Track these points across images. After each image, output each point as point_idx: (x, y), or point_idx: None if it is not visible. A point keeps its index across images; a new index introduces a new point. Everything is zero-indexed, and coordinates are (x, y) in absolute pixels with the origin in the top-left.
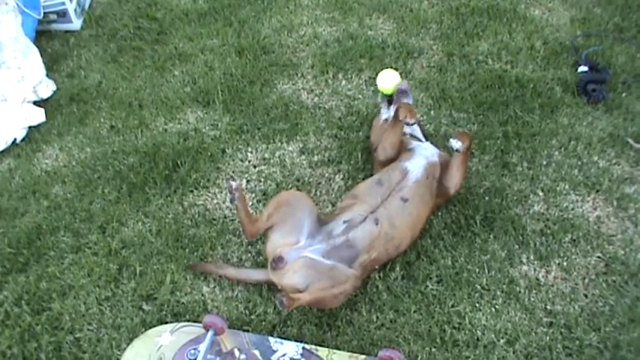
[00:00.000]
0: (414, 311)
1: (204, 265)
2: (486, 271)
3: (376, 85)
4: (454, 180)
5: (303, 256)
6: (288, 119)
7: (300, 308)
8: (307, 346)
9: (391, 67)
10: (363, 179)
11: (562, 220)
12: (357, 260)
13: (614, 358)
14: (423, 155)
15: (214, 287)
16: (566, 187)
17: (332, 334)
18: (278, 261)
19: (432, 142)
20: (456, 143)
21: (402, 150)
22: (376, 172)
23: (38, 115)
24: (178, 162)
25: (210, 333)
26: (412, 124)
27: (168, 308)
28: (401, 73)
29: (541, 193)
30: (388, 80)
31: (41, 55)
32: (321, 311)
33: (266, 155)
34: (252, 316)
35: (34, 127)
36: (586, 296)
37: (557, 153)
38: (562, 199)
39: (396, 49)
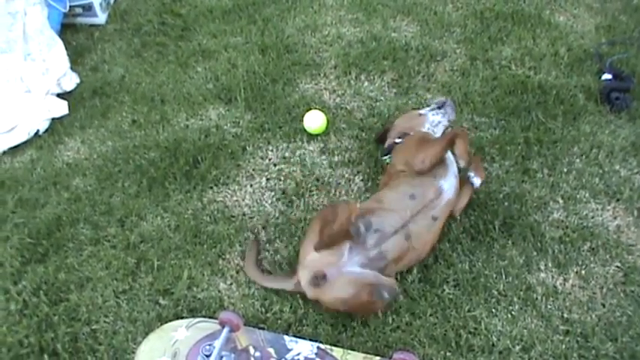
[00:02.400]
0: (430, 315)
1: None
2: (504, 276)
3: (392, 90)
4: (461, 205)
5: (345, 272)
6: None
7: (315, 307)
8: (322, 346)
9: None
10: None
11: (581, 228)
12: (385, 270)
13: None
14: (454, 174)
15: (231, 284)
16: (587, 195)
17: (347, 334)
18: (321, 278)
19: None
20: (477, 181)
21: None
22: (388, 175)
23: (61, 108)
24: (199, 158)
25: (225, 329)
26: (462, 166)
27: (185, 303)
28: (424, 76)
29: (561, 201)
30: (313, 120)
31: (66, 48)
32: (337, 311)
33: (286, 154)
34: (268, 314)
35: (57, 119)
36: (603, 305)
37: (578, 160)
38: (582, 207)
39: (419, 51)
